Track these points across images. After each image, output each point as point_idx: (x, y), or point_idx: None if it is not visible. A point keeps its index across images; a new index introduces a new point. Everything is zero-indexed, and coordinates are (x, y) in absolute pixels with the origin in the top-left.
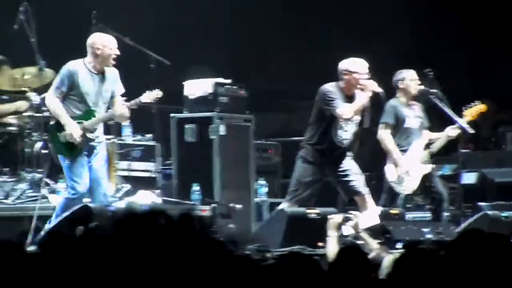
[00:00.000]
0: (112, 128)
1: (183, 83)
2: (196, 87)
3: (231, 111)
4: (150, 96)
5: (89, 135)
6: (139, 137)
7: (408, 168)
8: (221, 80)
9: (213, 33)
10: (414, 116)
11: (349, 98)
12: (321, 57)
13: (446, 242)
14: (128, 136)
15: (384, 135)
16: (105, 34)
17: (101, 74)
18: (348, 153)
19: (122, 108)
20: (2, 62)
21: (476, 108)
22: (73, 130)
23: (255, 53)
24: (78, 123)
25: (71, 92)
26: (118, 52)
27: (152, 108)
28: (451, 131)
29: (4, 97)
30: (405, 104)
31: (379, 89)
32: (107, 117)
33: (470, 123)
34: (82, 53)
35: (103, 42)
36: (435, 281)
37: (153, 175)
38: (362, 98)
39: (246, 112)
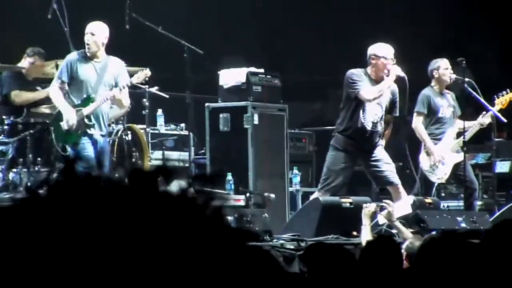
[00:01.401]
0: (145, 117)
1: (217, 72)
2: (230, 77)
3: (265, 101)
4: (140, 76)
5: (88, 121)
6: (172, 126)
7: (440, 157)
8: (254, 69)
9: (247, 22)
10: (447, 105)
11: (377, 83)
12: (353, 46)
13: (481, 231)
14: (161, 125)
15: (417, 123)
16: (97, 21)
17: (102, 62)
18: (380, 142)
19: (117, 93)
20: (35, 54)
21: (506, 97)
22: (69, 116)
23: (289, 42)
24: (77, 110)
25: (72, 81)
26: (100, 38)
27: (186, 98)
28: (483, 119)
29: (38, 88)
30: (438, 93)
31: (403, 74)
32: (102, 102)
33: (502, 111)
34: (113, 43)
35: (89, 29)
36: (465, 270)
37: (187, 165)
38: (386, 81)
39: (280, 102)
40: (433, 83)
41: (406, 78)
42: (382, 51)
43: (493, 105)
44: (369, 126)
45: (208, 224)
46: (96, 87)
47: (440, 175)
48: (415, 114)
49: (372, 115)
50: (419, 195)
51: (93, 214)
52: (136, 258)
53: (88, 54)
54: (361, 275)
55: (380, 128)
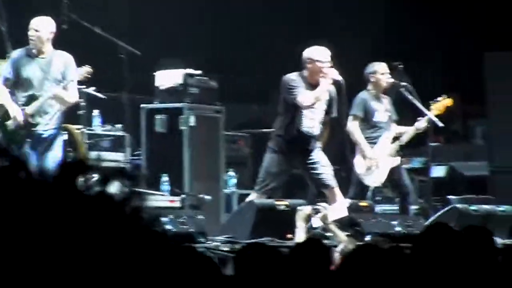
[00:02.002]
0: (81, 118)
1: (153, 73)
2: (167, 78)
3: (201, 102)
4: (80, 72)
5: (32, 120)
6: (108, 127)
7: (376, 161)
8: (191, 71)
9: (184, 23)
10: (383, 109)
11: (313, 87)
12: (292, 48)
13: (415, 235)
14: (97, 126)
15: (353, 127)
16: (41, 16)
17: (48, 58)
18: (317, 145)
19: (58, 89)
20: None
21: (443, 102)
22: (16, 113)
23: (226, 44)
24: (22, 109)
25: (17, 79)
26: (44, 33)
27: (123, 99)
28: (419, 124)
29: None
30: (375, 97)
31: (339, 77)
32: (45, 100)
33: (438, 116)
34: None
35: (32, 25)
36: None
37: (122, 166)
38: (322, 86)
39: (217, 103)
40: (369, 87)
41: (343, 81)
42: (317, 54)
43: (429, 109)
44: (306, 130)
45: (125, 223)
46: (41, 84)
47: (375, 179)
48: (350, 117)
49: (309, 119)
50: (355, 199)
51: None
52: (47, 253)
53: (33, 50)
54: (289, 277)
55: (317, 131)
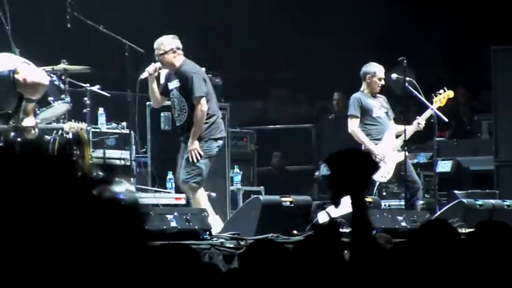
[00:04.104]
0: (87, 116)
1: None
2: None
3: None
4: None
5: None
6: (114, 125)
7: (382, 156)
8: None
9: (187, 19)
10: (379, 106)
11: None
12: (295, 45)
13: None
14: (102, 124)
15: (353, 127)
16: None
17: None
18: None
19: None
20: None
21: (444, 95)
22: None
23: (231, 41)
24: None
25: None
26: None
27: (128, 96)
28: (419, 120)
29: None
30: (369, 95)
31: (150, 70)
32: None
33: (443, 111)
34: (56, 41)
35: None
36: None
37: (128, 163)
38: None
39: (221, 100)
40: (363, 87)
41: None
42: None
43: (431, 103)
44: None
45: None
46: None
47: (382, 175)
48: (348, 118)
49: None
50: None
51: None
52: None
53: None
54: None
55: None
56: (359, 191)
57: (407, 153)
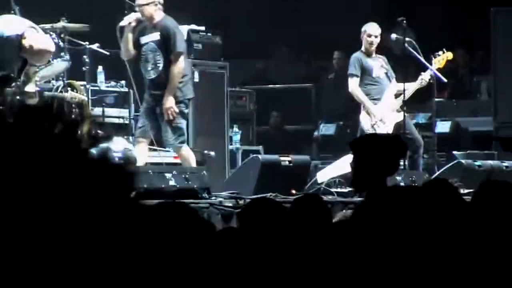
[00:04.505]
0: (86, 74)
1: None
2: None
3: (205, 58)
4: None
5: None
6: (113, 83)
7: (381, 116)
8: (195, 27)
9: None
10: (379, 66)
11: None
12: (295, 5)
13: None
14: (101, 82)
15: (353, 86)
16: None
17: None
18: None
19: None
20: None
21: (443, 56)
22: None
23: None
24: None
25: None
26: None
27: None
28: (423, 77)
29: None
30: (368, 55)
31: (130, 19)
32: None
33: (442, 71)
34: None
35: None
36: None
37: (127, 122)
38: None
39: (221, 59)
40: (362, 47)
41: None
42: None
43: (431, 64)
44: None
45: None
46: None
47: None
48: (349, 77)
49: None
50: None
51: None
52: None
53: None
54: (291, 230)
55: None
56: (384, 177)
57: (406, 113)
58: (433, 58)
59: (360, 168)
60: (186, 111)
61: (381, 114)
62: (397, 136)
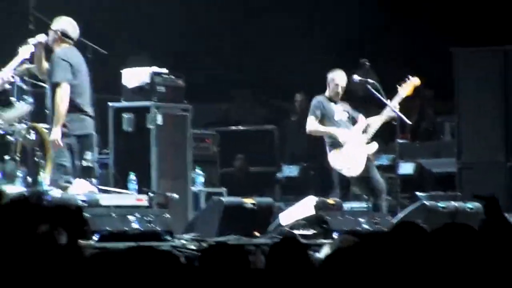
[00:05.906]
0: (49, 117)
1: (120, 71)
2: (134, 76)
3: (168, 101)
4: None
5: None
6: None
7: (345, 140)
8: (158, 69)
9: (151, 21)
10: (341, 110)
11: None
12: (259, 46)
13: (383, 232)
14: None
15: (310, 126)
16: None
17: None
18: None
19: None
20: None
21: (409, 83)
22: None
23: (193, 43)
24: None
25: None
26: None
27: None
28: (385, 112)
29: None
30: (331, 100)
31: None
32: None
33: (404, 113)
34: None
35: None
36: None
37: (90, 165)
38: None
39: (184, 102)
40: (327, 92)
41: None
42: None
43: (397, 93)
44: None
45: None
46: None
47: (354, 167)
48: (308, 119)
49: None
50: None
51: None
52: None
53: None
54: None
55: None
56: None
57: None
58: (399, 87)
59: None
60: (74, 147)
61: (344, 138)
62: None
